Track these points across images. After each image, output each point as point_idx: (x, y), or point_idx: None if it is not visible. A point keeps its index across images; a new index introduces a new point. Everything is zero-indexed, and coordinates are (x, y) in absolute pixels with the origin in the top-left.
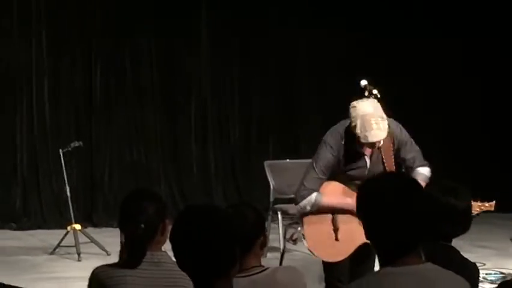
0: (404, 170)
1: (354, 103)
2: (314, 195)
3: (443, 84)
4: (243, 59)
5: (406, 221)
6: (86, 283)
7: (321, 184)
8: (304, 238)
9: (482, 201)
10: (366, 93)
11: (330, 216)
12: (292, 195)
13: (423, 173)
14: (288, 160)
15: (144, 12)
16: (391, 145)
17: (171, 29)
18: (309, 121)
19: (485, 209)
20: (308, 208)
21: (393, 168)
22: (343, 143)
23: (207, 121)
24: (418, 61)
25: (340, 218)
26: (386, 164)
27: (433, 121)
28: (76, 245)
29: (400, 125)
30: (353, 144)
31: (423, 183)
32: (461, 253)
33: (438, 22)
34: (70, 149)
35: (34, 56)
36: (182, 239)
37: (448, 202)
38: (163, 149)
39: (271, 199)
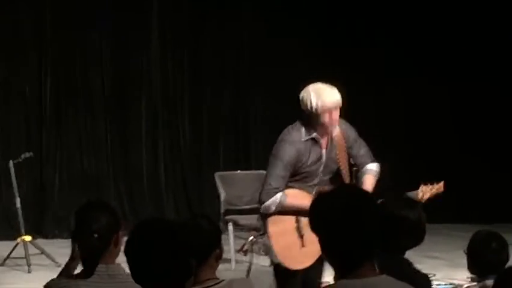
0: (355, 168)
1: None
2: (279, 195)
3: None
4: (193, 67)
5: (358, 235)
6: None
7: (285, 183)
8: (268, 246)
9: (431, 183)
10: None
11: (293, 223)
12: (244, 206)
13: (374, 169)
14: (239, 171)
15: (95, 20)
16: (343, 142)
17: (122, 38)
18: (260, 131)
19: (436, 191)
20: (273, 208)
21: (346, 165)
22: (302, 138)
23: (158, 132)
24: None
25: (304, 222)
26: (339, 160)
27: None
28: (26, 256)
29: (348, 124)
30: (312, 134)
31: (375, 178)
32: (413, 263)
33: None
34: (20, 160)
35: None
36: (137, 252)
37: (400, 215)
38: (113, 159)
39: (222, 210)
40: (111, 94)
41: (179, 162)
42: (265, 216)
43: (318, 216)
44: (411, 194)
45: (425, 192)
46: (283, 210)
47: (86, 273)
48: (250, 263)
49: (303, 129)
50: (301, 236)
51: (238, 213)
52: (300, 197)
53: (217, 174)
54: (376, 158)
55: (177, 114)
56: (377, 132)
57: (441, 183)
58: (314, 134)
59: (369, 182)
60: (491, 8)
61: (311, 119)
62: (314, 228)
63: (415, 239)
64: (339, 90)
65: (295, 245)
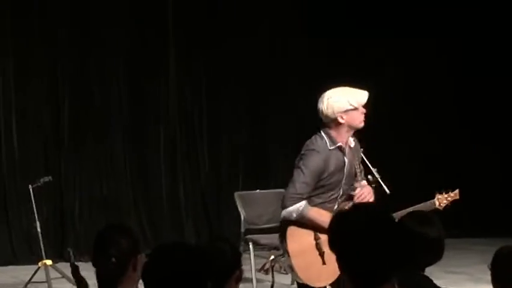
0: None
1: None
2: (303, 203)
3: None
4: (211, 90)
5: (378, 253)
6: None
7: (309, 190)
8: (290, 265)
9: (446, 192)
10: None
11: (312, 240)
12: (264, 225)
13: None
14: (258, 190)
15: (114, 46)
16: (356, 151)
17: (140, 63)
18: (278, 151)
19: (451, 199)
20: (294, 216)
21: (360, 173)
22: (329, 147)
23: (176, 154)
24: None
25: (323, 239)
26: (356, 170)
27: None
28: (48, 280)
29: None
30: (337, 143)
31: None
32: (433, 279)
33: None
34: (39, 184)
35: (1, 91)
36: (154, 276)
37: (420, 231)
38: (132, 183)
39: (242, 229)
40: (129, 118)
41: (198, 184)
42: (284, 233)
43: (337, 235)
44: (427, 203)
45: (441, 200)
46: (303, 223)
47: None
48: (273, 283)
49: (327, 138)
50: (321, 254)
51: (259, 232)
52: (321, 213)
53: (236, 194)
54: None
55: (195, 136)
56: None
57: (457, 191)
58: (339, 143)
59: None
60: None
61: (339, 125)
62: (333, 247)
63: (435, 256)
64: None
65: (317, 262)
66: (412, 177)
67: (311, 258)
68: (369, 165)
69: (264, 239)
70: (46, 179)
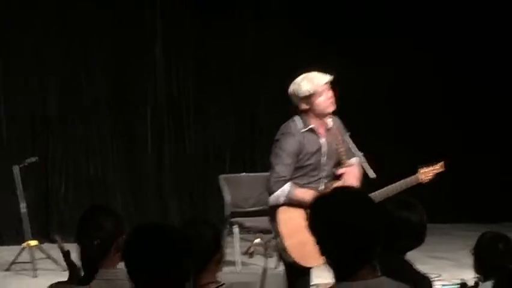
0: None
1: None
2: (287, 185)
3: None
4: (199, 74)
5: (358, 237)
6: None
7: (291, 171)
8: (281, 246)
9: (428, 165)
10: None
11: (303, 220)
12: (250, 208)
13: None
14: (244, 174)
15: (101, 31)
16: (338, 133)
17: (127, 46)
18: (265, 134)
19: (436, 171)
20: (281, 199)
21: (344, 156)
22: (301, 130)
23: (163, 136)
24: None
25: None
26: (338, 150)
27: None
28: (32, 261)
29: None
30: (309, 125)
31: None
32: (417, 264)
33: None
34: (25, 164)
35: None
36: (134, 257)
37: (401, 216)
38: (119, 164)
39: (227, 213)
40: (116, 99)
41: (184, 166)
42: (274, 216)
43: (315, 218)
44: (411, 178)
45: (426, 173)
46: (292, 204)
47: (87, 279)
48: (265, 268)
49: (300, 122)
50: None
51: (245, 215)
52: (309, 193)
53: (221, 177)
54: (376, 158)
55: (182, 118)
56: (375, 131)
57: (442, 163)
58: (311, 126)
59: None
60: (487, 6)
61: (307, 110)
62: (312, 230)
63: (416, 241)
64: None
65: (309, 242)
66: (398, 165)
67: (303, 238)
68: (354, 150)
69: (249, 221)
70: (32, 159)
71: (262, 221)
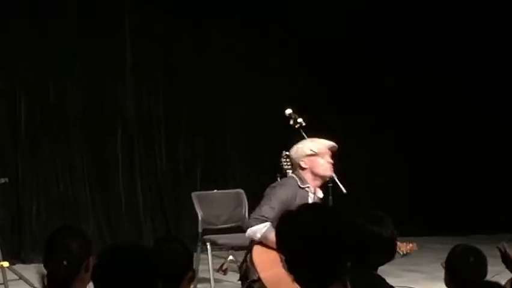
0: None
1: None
2: (267, 225)
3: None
4: (170, 90)
5: (327, 252)
6: None
7: (274, 216)
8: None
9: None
10: (292, 122)
11: (279, 258)
12: (221, 225)
13: None
14: (215, 190)
15: (70, 46)
16: None
17: (96, 63)
18: (236, 151)
19: (410, 249)
20: (258, 236)
21: None
22: (300, 185)
23: (134, 154)
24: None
25: None
26: None
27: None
28: (4, 282)
29: None
30: (306, 185)
31: None
32: (390, 277)
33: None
34: None
35: None
36: (103, 278)
37: (372, 231)
38: (90, 182)
39: (200, 230)
40: (86, 118)
41: (156, 184)
42: (251, 249)
43: (285, 234)
44: None
45: (400, 247)
46: (267, 244)
47: None
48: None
49: (297, 179)
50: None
51: (216, 232)
52: None
53: (193, 194)
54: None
55: (153, 137)
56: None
57: (415, 244)
58: (308, 185)
59: None
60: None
61: (306, 169)
62: (281, 247)
63: (387, 255)
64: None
65: (287, 277)
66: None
67: (280, 271)
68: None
69: (221, 239)
70: (2, 180)
71: (234, 238)
